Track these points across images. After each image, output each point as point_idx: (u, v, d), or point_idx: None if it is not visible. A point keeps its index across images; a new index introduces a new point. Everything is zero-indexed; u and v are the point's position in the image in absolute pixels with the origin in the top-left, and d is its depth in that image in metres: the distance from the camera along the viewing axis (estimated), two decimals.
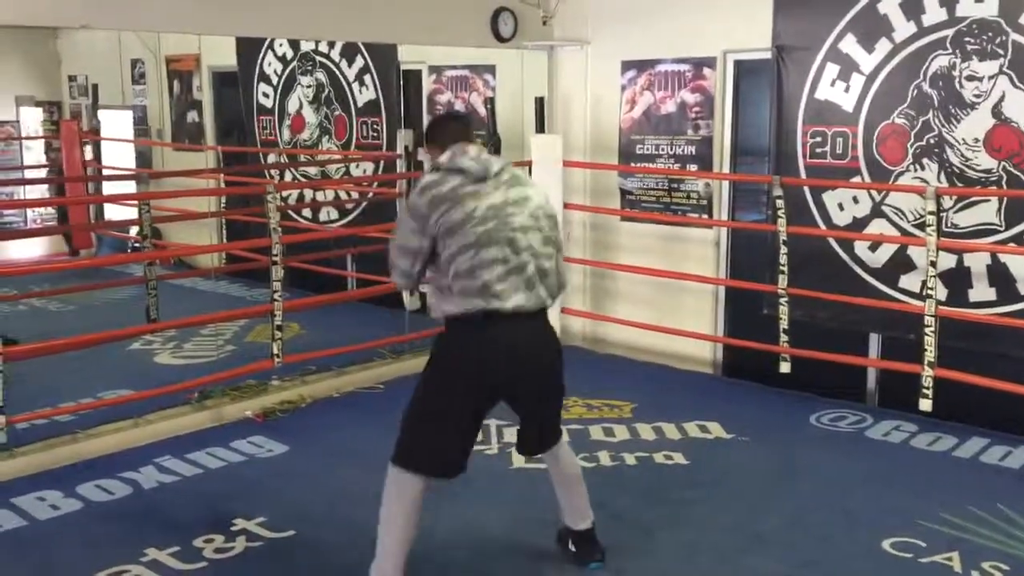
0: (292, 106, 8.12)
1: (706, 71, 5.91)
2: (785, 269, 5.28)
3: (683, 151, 6.09)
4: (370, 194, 7.61)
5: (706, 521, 3.83)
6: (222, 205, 7.96)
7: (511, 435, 4.72)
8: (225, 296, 7.52)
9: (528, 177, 3.35)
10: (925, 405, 4.80)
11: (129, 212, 7.16)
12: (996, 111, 4.74)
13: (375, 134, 7.51)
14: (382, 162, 7.48)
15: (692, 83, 5.99)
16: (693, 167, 6.05)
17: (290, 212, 8.10)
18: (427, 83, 7.29)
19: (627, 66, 6.28)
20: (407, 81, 7.30)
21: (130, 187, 8.35)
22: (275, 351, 5.16)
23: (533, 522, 3.80)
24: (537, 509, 3.90)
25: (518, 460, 4.45)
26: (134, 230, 7.32)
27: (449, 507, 3.97)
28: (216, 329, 6.31)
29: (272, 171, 8.26)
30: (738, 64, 5.85)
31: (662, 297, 6.28)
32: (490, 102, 6.68)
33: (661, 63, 6.11)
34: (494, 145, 6.46)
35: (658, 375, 5.89)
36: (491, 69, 6.89)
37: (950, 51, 4.85)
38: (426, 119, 7.30)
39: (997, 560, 3.45)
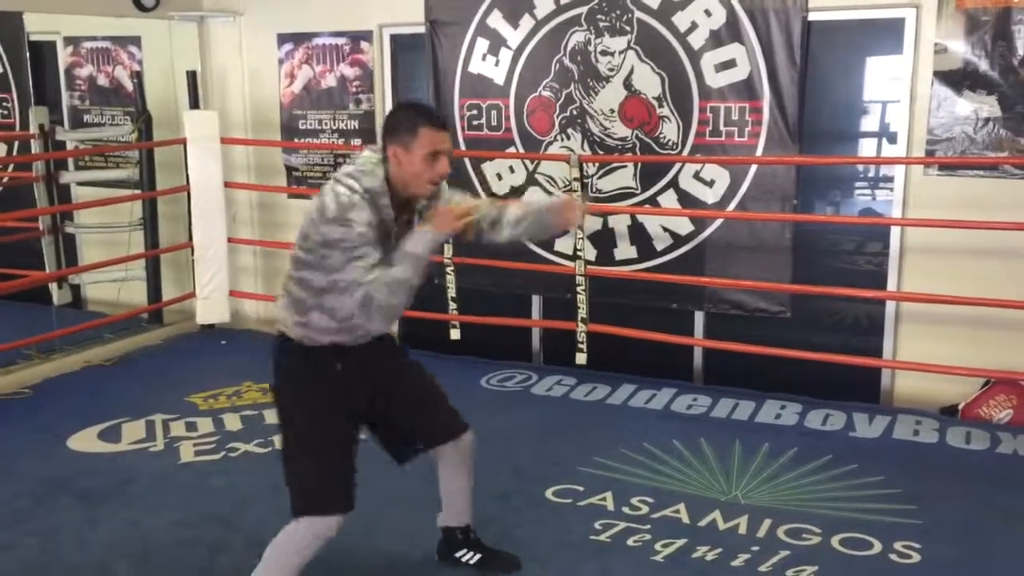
0: None
1: (363, 45, 5.89)
2: (449, 239, 5.43)
3: (347, 125, 6.05)
4: (4, 179, 6.84)
5: (386, 495, 3.85)
6: None
7: (178, 429, 4.51)
8: None
9: (324, 189, 2.66)
10: (581, 359, 5.18)
11: None
12: (627, 84, 5.15)
13: (5, 112, 6.75)
14: (16, 143, 6.74)
15: (351, 57, 5.95)
16: (357, 141, 6.02)
17: None
18: (63, 56, 6.65)
19: (284, 39, 6.12)
20: (38, 54, 6.62)
21: None
22: None
23: (204, 519, 3.63)
24: (208, 504, 3.74)
25: (187, 455, 4.23)
26: None
27: (108, 512, 3.69)
28: None
29: None
30: (395, 38, 5.88)
31: None
32: (137, 76, 6.24)
33: (318, 36, 6.01)
34: (144, 123, 6.06)
35: None
36: (136, 40, 6.42)
37: (585, 27, 5.19)
38: (65, 95, 6.69)
39: (644, 495, 3.79)
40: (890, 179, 4.87)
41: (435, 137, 2.69)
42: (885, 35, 4.74)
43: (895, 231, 4.82)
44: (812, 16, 4.73)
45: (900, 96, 4.70)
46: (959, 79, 4.53)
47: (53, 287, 6.41)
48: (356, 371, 2.82)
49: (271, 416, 4.64)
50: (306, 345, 2.77)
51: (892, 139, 4.81)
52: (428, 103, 2.95)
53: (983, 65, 4.47)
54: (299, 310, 2.75)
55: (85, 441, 4.39)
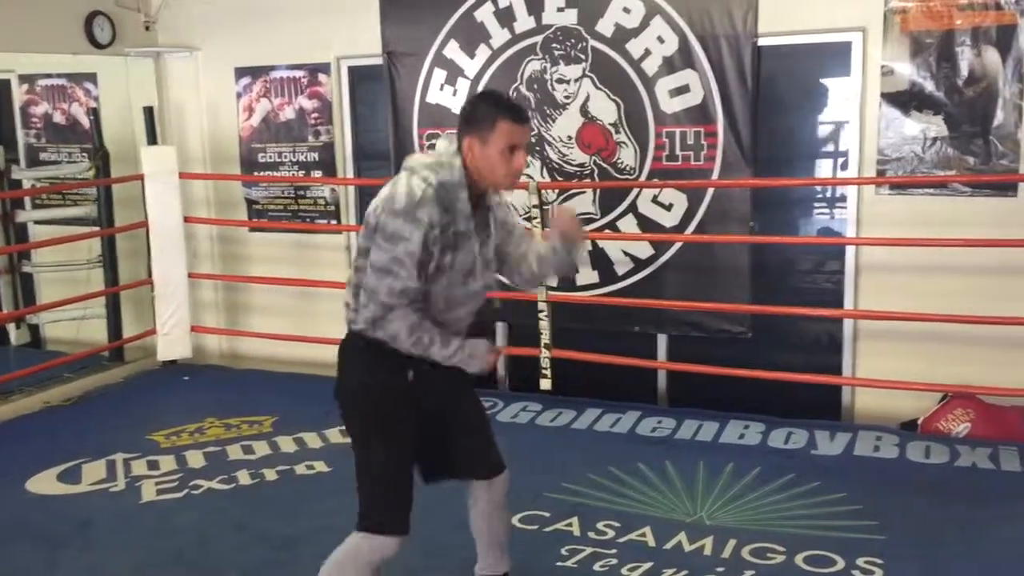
0: None
1: (321, 77, 5.91)
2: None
3: (306, 157, 6.05)
4: None
5: (350, 527, 3.82)
6: None
7: (139, 468, 4.45)
8: None
9: (398, 178, 2.60)
10: (545, 385, 5.20)
11: None
12: (584, 110, 5.21)
13: None
14: None
15: (309, 89, 5.96)
16: (317, 173, 6.03)
17: None
18: (19, 94, 6.61)
19: (241, 73, 6.12)
20: None
21: None
22: None
23: (167, 559, 3.58)
24: (173, 543, 3.69)
25: (148, 494, 4.18)
26: None
27: (68, 555, 3.63)
28: None
29: None
30: (352, 70, 5.91)
31: (298, 305, 6.20)
32: (94, 113, 6.21)
33: (276, 69, 6.02)
34: (102, 159, 6.02)
35: (299, 385, 5.80)
36: (92, 77, 6.39)
37: (541, 56, 5.25)
38: (21, 135, 6.64)
39: (610, 519, 3.79)
40: (844, 199, 4.95)
41: (514, 131, 2.57)
42: (833, 59, 4.84)
43: (850, 250, 4.89)
44: (762, 41, 4.82)
45: (850, 118, 4.80)
46: (906, 100, 4.63)
47: (11, 327, 6.35)
48: (426, 384, 2.71)
49: (234, 452, 4.63)
50: (381, 343, 2.63)
51: (844, 160, 4.90)
52: (508, 94, 3.00)
53: (929, 86, 4.58)
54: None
55: (44, 483, 4.32)
